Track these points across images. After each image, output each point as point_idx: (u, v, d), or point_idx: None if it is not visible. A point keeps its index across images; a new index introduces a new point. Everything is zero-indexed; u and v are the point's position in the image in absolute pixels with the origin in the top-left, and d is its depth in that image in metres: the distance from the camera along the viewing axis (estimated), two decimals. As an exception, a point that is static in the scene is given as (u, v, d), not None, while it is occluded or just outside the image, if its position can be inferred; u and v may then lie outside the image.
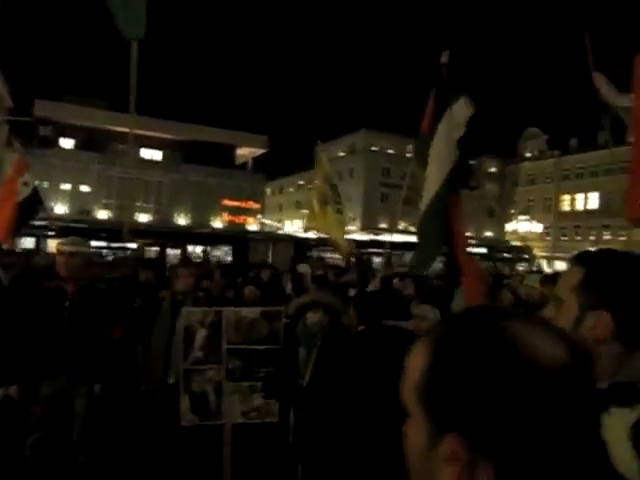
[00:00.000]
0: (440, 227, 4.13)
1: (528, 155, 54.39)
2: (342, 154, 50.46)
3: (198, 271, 9.61)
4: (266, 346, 4.05)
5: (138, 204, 38.04)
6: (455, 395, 0.66)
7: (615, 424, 1.05)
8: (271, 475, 4.07)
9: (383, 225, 44.04)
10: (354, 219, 46.49)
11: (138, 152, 37.96)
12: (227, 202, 42.43)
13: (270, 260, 17.86)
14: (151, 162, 40.20)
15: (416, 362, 0.72)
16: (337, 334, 3.48)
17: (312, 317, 3.48)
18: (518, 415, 0.63)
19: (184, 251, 19.89)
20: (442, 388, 0.68)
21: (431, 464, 0.68)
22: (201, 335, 4.08)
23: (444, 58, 4.59)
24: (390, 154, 48.44)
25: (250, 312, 4.10)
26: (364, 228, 44.17)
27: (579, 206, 51.46)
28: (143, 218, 38.53)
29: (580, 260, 1.32)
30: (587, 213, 48.75)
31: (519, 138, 55.46)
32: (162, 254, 18.62)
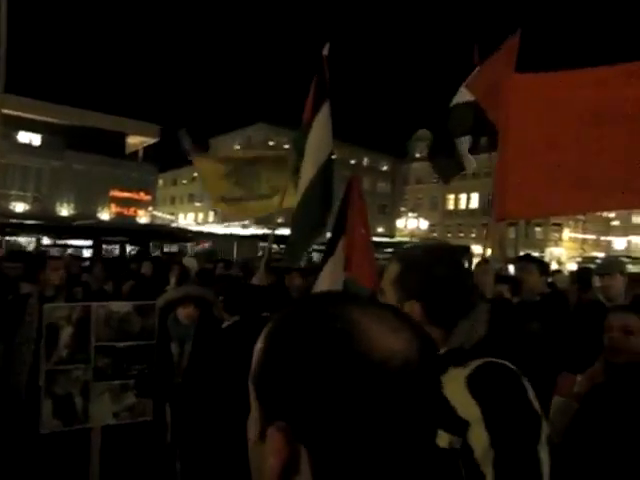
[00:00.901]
0: (313, 218, 4.15)
1: (418, 156, 57.14)
2: (238, 147, 49.82)
3: (78, 264, 9.01)
4: (139, 342, 3.84)
5: (13, 192, 34.98)
6: (281, 381, 0.62)
7: (452, 380, 1.19)
8: (147, 477, 3.89)
9: (280, 220, 44.10)
10: (250, 213, 46.08)
11: (15, 136, 34.89)
12: (115, 193, 40.22)
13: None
14: (29, 147, 37.05)
15: (255, 349, 0.68)
16: (209, 327, 3.38)
17: (182, 311, 3.35)
18: (342, 406, 0.59)
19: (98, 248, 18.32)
20: (270, 374, 0.64)
21: (260, 458, 0.64)
22: (67, 333, 3.77)
23: (325, 50, 4.61)
24: (288, 149, 48.62)
25: (121, 307, 3.85)
26: (259, 222, 43.97)
27: (462, 205, 55.10)
28: (20, 208, 35.48)
29: (397, 257, 1.51)
30: (469, 212, 52.30)
31: (409, 139, 58.14)
32: (38, 246, 17.20)
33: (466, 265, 1.54)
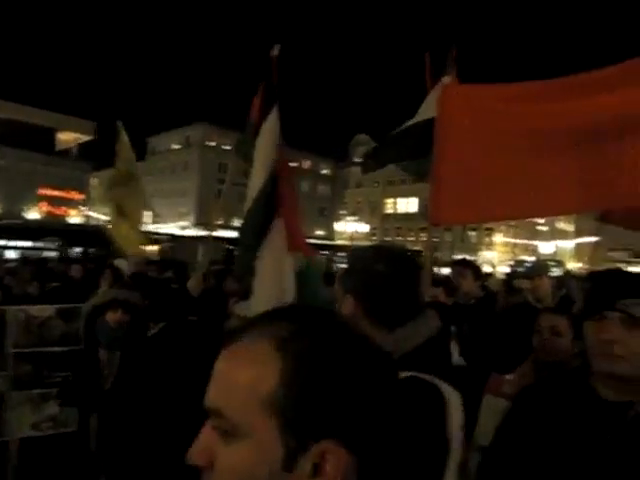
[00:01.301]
0: (263, 224, 4.08)
1: (357, 160, 57.95)
2: (176, 147, 48.74)
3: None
4: (62, 348, 3.62)
5: None
6: (329, 399, 0.62)
7: None
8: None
9: (220, 222, 43.47)
10: (187, 214, 45.12)
11: None
12: (45, 191, 38.33)
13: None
14: (-52, 141, 34.67)
15: (260, 371, 0.63)
16: (138, 332, 3.23)
17: (111, 316, 3.19)
18: (384, 407, 0.65)
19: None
20: (314, 396, 0.62)
21: None
22: (-19, 339, 3.50)
23: (275, 51, 4.53)
24: (227, 150, 48.06)
25: (42, 310, 3.62)
26: (198, 224, 43.15)
27: (401, 209, 56.30)
28: (-64, 205, 33.15)
29: (347, 255, 1.61)
30: (408, 216, 53.49)
31: (350, 143, 58.87)
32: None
33: (414, 268, 1.53)
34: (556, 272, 12.55)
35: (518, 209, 4.34)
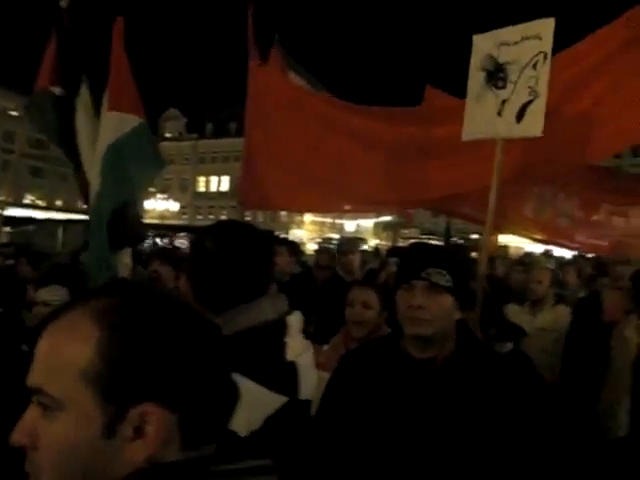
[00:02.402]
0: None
1: (168, 135, 55.62)
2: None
3: None
4: None
5: None
6: (144, 364, 0.64)
7: None
8: None
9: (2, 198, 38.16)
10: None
11: None
12: None
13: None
14: None
15: (77, 344, 0.64)
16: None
17: None
18: (200, 368, 0.68)
19: None
20: (133, 362, 0.64)
21: (106, 454, 0.63)
22: None
23: (64, 2, 4.04)
24: (14, 116, 42.16)
25: None
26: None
27: (213, 187, 55.71)
28: None
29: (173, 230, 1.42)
30: (220, 194, 53.17)
31: (159, 117, 56.14)
32: None
33: (255, 246, 1.39)
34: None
35: (314, 202, 4.62)
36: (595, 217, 4.73)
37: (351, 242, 4.93)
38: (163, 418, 0.64)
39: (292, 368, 1.28)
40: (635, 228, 4.61)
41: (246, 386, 1.10)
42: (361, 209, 4.90)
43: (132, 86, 3.94)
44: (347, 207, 4.89)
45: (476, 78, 3.22)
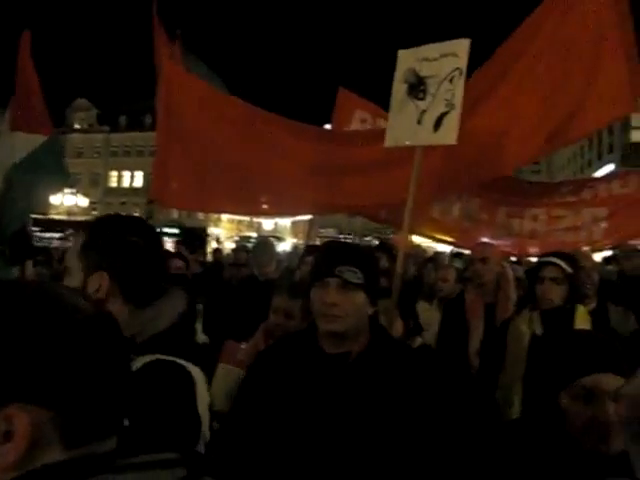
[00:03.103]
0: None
1: (77, 127, 52.69)
2: None
3: None
4: None
5: None
6: (7, 364, 0.63)
7: None
8: None
9: None
10: None
11: None
12: None
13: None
14: None
15: None
16: None
17: None
18: (68, 358, 0.66)
19: None
20: None
21: None
22: None
23: None
24: None
25: None
26: None
27: (126, 183, 53.41)
28: None
29: (84, 227, 1.40)
30: (133, 190, 51.08)
31: (68, 107, 53.07)
32: None
33: (160, 241, 1.44)
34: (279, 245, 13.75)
35: (231, 205, 4.61)
36: (494, 219, 5.07)
37: (265, 245, 4.96)
38: (32, 419, 0.63)
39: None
40: (528, 230, 5.00)
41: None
42: (273, 214, 4.94)
43: (39, 102, 3.83)
44: (260, 210, 4.91)
45: (399, 89, 3.47)
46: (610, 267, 4.70)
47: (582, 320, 3.01)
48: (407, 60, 3.46)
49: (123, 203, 50.53)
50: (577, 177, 25.85)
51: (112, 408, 0.72)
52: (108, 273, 1.28)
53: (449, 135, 3.19)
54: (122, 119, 51.88)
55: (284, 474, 1.55)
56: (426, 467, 1.53)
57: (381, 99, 5.21)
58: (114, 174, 53.47)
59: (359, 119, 5.22)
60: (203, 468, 0.75)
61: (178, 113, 4.26)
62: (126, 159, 51.72)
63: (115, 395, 0.72)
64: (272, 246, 5.08)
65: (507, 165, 3.95)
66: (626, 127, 24.41)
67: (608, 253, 6.17)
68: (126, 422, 1.05)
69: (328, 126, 5.79)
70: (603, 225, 4.96)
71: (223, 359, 2.53)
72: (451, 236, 5.28)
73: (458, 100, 3.19)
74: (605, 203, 4.98)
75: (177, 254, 5.39)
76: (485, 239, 5.06)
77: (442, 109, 3.24)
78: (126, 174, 53.02)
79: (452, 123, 3.19)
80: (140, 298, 1.31)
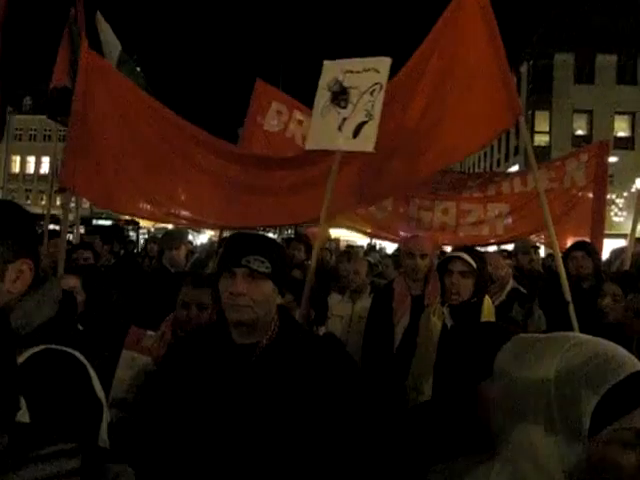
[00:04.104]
0: None
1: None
2: None
3: None
4: None
5: None
6: None
7: None
8: None
9: None
10: None
11: None
12: None
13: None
14: None
15: None
16: None
17: None
18: None
19: None
20: None
21: None
22: None
23: None
24: None
25: None
26: None
27: (30, 169, 50.08)
28: None
29: None
30: (38, 177, 48.02)
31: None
32: None
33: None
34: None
35: (147, 209, 4.50)
36: (407, 211, 5.27)
37: (175, 237, 4.88)
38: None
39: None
40: (439, 223, 5.23)
41: None
42: (184, 223, 4.89)
43: None
44: (171, 219, 4.82)
45: (323, 96, 3.65)
46: (508, 262, 4.98)
47: (488, 313, 3.20)
48: (332, 70, 3.67)
49: (28, 190, 47.42)
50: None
51: None
52: (32, 261, 1.22)
53: (367, 143, 3.39)
54: (26, 100, 48.52)
55: (190, 463, 1.53)
56: (321, 452, 1.54)
57: (298, 96, 5.30)
58: (17, 159, 49.97)
59: (275, 110, 5.21)
60: (102, 457, 0.75)
61: (95, 103, 4.10)
62: (31, 143, 48.51)
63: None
64: (181, 233, 5.04)
65: (409, 182, 4.23)
66: (530, 132, 26.20)
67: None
68: (26, 417, 1.03)
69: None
70: (506, 220, 5.28)
71: (128, 346, 2.47)
72: (369, 227, 5.42)
73: (377, 111, 3.41)
74: (507, 200, 5.31)
75: (84, 245, 5.25)
76: (402, 232, 5.23)
77: (362, 118, 3.45)
78: (30, 159, 49.70)
79: (370, 132, 3.39)
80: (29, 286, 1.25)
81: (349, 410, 1.62)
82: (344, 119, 3.51)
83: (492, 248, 6.73)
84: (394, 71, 3.65)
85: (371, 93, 3.47)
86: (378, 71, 3.50)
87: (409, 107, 3.83)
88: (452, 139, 3.66)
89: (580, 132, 29.59)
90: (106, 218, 21.88)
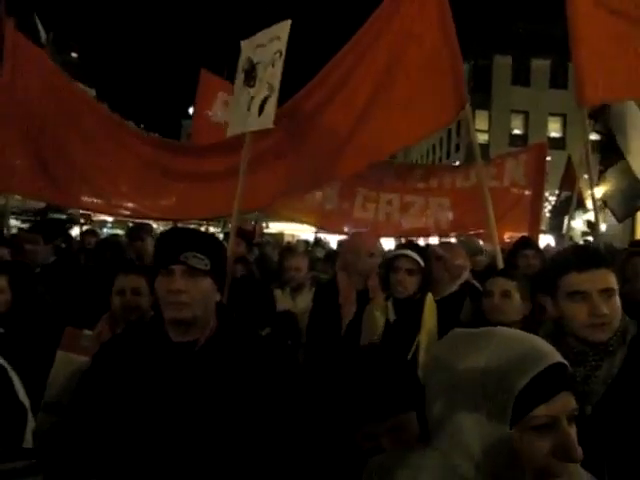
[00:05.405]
0: None
1: None
2: None
3: None
4: None
5: None
6: None
7: None
8: None
9: None
10: None
11: None
12: None
13: None
14: None
15: None
16: None
17: None
18: None
19: None
20: None
21: None
22: None
23: None
24: None
25: None
26: None
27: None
28: None
29: None
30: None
31: None
32: None
33: None
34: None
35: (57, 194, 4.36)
36: (353, 203, 5.24)
37: (141, 228, 4.78)
38: None
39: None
40: (384, 214, 5.24)
41: None
42: (119, 215, 4.80)
43: None
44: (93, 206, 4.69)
45: (239, 79, 3.47)
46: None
47: (430, 308, 3.23)
48: (247, 49, 3.45)
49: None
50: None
51: None
52: None
53: (267, 119, 3.20)
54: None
55: (126, 464, 1.46)
56: (254, 451, 1.50)
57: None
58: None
59: (222, 101, 5.12)
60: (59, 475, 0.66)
61: (20, 86, 3.91)
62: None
63: None
64: (149, 232, 5.02)
65: (345, 168, 4.02)
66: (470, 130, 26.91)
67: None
68: None
69: (191, 110, 5.74)
70: (448, 214, 5.36)
71: (64, 346, 2.36)
72: (314, 219, 5.37)
73: (276, 83, 3.21)
74: (448, 194, 5.39)
75: (2, 241, 4.92)
76: (348, 226, 5.20)
77: (265, 94, 3.26)
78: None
79: (270, 107, 3.21)
80: None
81: (285, 410, 1.59)
82: (252, 98, 3.32)
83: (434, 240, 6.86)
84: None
85: (273, 65, 3.26)
86: (279, 38, 3.28)
87: (356, 90, 3.67)
88: (397, 124, 3.56)
89: (517, 132, 30.64)
90: (61, 212, 20.92)
